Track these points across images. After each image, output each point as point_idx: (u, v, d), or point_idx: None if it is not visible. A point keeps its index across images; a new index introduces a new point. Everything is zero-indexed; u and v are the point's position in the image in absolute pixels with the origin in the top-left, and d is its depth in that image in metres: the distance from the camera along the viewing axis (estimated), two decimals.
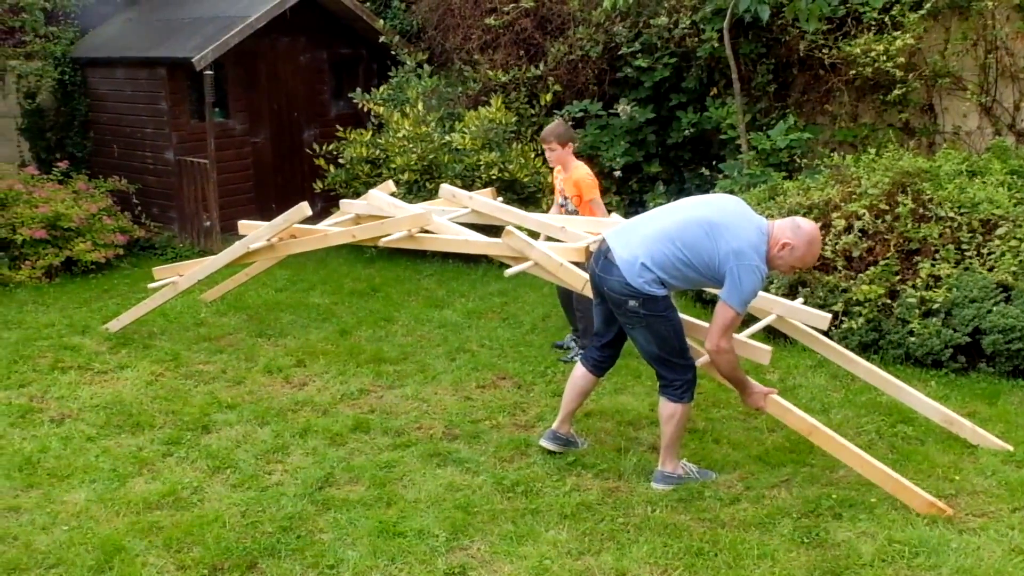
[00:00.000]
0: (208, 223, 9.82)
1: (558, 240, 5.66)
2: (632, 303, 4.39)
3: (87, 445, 5.18)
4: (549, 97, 9.47)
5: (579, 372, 4.90)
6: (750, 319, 5.91)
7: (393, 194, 6.93)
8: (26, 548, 4.13)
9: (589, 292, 4.89)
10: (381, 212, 6.30)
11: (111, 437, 5.30)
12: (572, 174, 6.41)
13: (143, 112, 10.10)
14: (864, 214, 6.50)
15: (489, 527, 4.25)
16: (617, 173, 9.23)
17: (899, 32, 7.90)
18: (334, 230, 6.25)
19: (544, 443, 4.94)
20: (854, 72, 8.17)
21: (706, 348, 4.40)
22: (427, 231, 5.71)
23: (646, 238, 4.41)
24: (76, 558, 4.04)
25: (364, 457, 4.99)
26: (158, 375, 6.25)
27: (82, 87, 10.58)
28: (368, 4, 10.99)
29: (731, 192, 8.02)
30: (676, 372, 4.51)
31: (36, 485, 4.72)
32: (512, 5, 9.74)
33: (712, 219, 4.31)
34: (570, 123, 9.28)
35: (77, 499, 4.56)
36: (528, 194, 9.01)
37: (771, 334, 6.01)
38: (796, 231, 4.27)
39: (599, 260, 4.54)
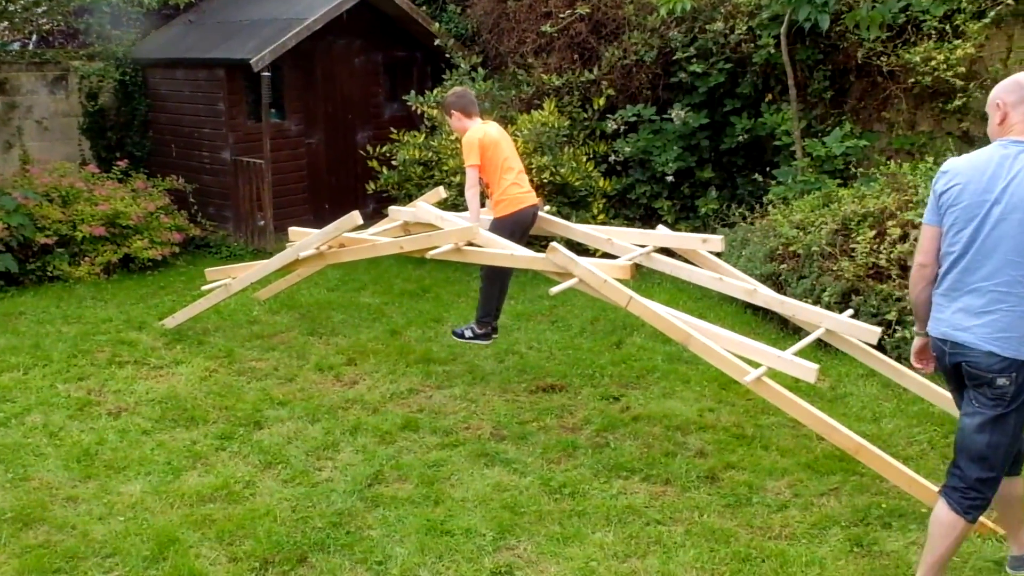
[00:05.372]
0: (262, 222, 9.97)
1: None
2: None
3: (143, 438, 5.30)
4: (602, 101, 9.46)
5: None
6: (799, 333, 5.87)
7: (444, 199, 6.99)
8: (83, 537, 4.23)
9: (633, 309, 4.88)
10: (429, 222, 6.36)
11: (166, 431, 5.41)
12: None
13: (201, 112, 10.28)
14: (920, 223, 6.39)
15: (536, 527, 4.27)
16: (669, 178, 9.20)
17: (960, 40, 7.77)
18: (382, 240, 6.31)
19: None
20: (913, 80, 8.05)
21: None
22: (474, 244, 5.74)
23: None
24: (132, 548, 4.13)
25: (413, 456, 5.04)
26: (212, 371, 6.36)
27: (142, 88, 10.79)
28: (424, 7, 11.08)
29: (784, 199, 7.96)
30: None
31: (93, 476, 4.84)
32: (568, 10, 9.75)
33: None
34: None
35: (133, 491, 4.67)
36: (579, 198, 9.01)
37: (823, 344, 5.95)
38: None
39: None
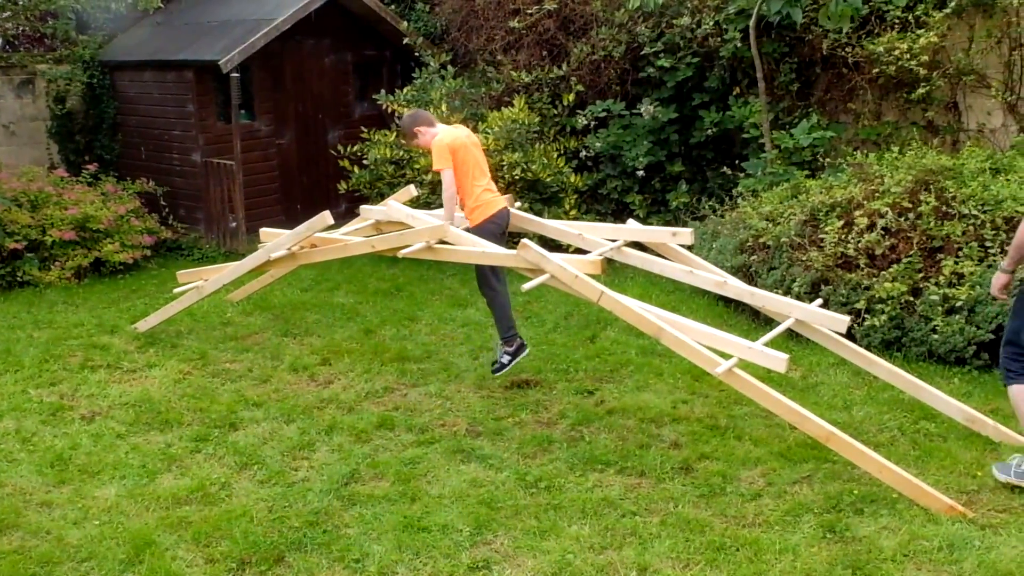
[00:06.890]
0: (234, 224, 9.93)
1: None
2: None
3: (117, 442, 5.28)
4: (572, 97, 9.50)
5: None
6: (770, 323, 5.94)
7: (416, 197, 6.98)
8: (59, 542, 4.22)
9: (604, 303, 4.93)
10: (401, 221, 6.36)
11: (140, 434, 5.39)
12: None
13: (170, 114, 10.22)
14: (887, 212, 6.49)
15: (512, 522, 4.30)
16: (640, 173, 9.25)
17: (923, 30, 7.87)
18: (354, 240, 6.30)
19: (1000, 475, 4.48)
20: (877, 70, 8.14)
21: None
22: (445, 242, 5.76)
23: None
24: (107, 552, 4.12)
25: (389, 454, 5.05)
26: (186, 374, 6.34)
27: (110, 90, 10.72)
28: (392, 6, 11.07)
29: (753, 192, 8.02)
30: None
31: (67, 481, 4.82)
32: (536, 7, 9.78)
33: None
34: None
35: (107, 495, 4.65)
36: (551, 194, 9.05)
37: (793, 334, 6.02)
38: None
39: None
